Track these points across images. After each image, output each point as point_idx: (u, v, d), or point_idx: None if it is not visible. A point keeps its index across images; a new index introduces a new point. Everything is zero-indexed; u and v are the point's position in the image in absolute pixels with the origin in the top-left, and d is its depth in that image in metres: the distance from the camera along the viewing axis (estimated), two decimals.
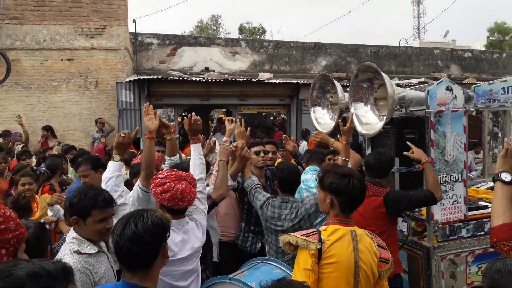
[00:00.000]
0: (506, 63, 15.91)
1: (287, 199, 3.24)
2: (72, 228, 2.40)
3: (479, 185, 5.01)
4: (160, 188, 2.46)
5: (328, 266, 2.12)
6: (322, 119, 4.23)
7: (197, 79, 10.70)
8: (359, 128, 3.70)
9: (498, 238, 2.06)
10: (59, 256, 2.23)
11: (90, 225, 2.27)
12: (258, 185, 3.44)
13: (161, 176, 2.53)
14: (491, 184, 4.85)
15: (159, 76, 10.42)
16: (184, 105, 11.56)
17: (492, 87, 3.55)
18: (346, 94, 3.84)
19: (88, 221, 2.27)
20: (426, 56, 14.81)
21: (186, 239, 2.56)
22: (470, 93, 3.56)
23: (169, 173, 2.54)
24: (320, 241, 2.14)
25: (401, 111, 3.76)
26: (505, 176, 2.16)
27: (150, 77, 10.22)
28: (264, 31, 33.24)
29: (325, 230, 2.22)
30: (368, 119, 3.72)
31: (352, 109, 3.71)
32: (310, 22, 76.22)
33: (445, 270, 3.63)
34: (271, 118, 15.78)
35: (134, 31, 11.39)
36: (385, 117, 3.46)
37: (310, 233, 2.21)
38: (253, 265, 2.93)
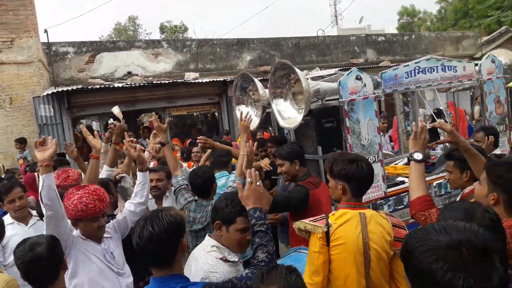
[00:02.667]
0: (416, 44, 17.12)
1: (200, 203, 3.37)
2: (208, 236, 2.41)
3: (397, 162, 5.43)
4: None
5: (336, 248, 2.23)
6: None
7: (120, 85, 10.43)
8: (281, 122, 3.89)
9: (416, 209, 2.37)
10: (204, 265, 2.21)
11: (232, 233, 2.28)
12: (182, 187, 3.46)
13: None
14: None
15: (79, 86, 10.01)
16: (109, 114, 11.20)
17: (396, 72, 3.86)
18: (267, 91, 4.00)
19: (231, 229, 2.28)
20: (343, 43, 15.54)
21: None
22: (378, 80, 3.84)
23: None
24: (327, 224, 2.26)
25: (318, 102, 3.99)
26: (417, 155, 2.46)
27: (69, 88, 9.79)
28: (186, 29, 33.00)
29: (333, 214, 2.35)
30: (289, 113, 3.91)
31: (273, 105, 3.89)
32: (232, 18, 76.70)
33: None
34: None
35: (47, 41, 10.81)
36: (303, 110, 3.67)
37: (318, 218, 2.33)
38: (286, 255, 3.13)
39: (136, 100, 10.93)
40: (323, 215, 2.37)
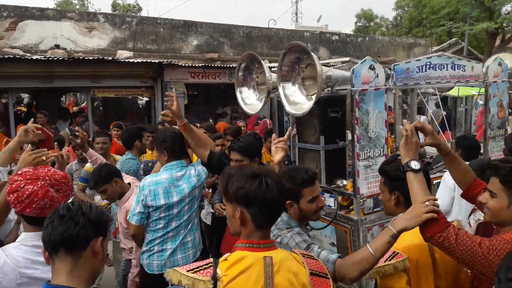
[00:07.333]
0: (368, 46, 18.22)
1: None
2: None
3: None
4: (9, 188, 2.31)
5: None
6: (249, 99, 4.49)
7: (34, 57, 9.86)
8: (288, 108, 4.04)
9: (432, 232, 2.03)
10: None
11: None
12: None
13: (18, 173, 2.37)
14: None
15: None
16: (21, 89, 10.57)
17: (409, 65, 4.19)
18: (273, 74, 4.15)
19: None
20: (297, 38, 16.07)
21: None
22: (389, 72, 4.15)
23: (25, 171, 2.38)
24: (214, 277, 1.76)
25: (327, 90, 4.22)
26: (415, 165, 2.20)
27: None
28: (140, 9, 33.24)
29: (225, 260, 1.83)
30: (297, 99, 4.08)
31: (280, 89, 4.04)
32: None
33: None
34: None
35: None
36: (314, 97, 3.85)
37: (202, 266, 1.82)
38: None
39: (54, 76, 10.35)
40: (211, 260, 1.86)
